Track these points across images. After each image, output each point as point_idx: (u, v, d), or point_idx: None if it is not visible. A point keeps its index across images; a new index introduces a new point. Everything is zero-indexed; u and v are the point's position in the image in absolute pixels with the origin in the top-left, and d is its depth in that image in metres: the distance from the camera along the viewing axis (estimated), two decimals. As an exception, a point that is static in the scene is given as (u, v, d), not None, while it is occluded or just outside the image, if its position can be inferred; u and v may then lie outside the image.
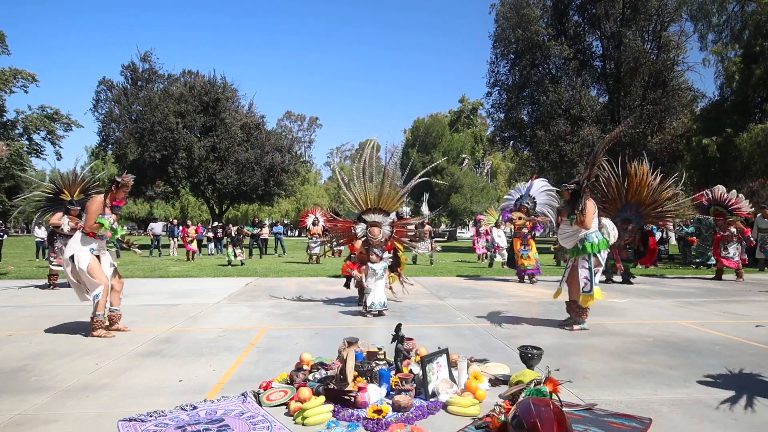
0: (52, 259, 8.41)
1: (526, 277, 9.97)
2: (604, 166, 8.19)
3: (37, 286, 8.75)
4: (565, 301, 5.35)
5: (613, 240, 5.39)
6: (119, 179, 4.92)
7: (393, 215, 6.31)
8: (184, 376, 3.47)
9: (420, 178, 6.62)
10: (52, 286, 8.32)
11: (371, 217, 6.11)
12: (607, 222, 5.42)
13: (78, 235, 4.83)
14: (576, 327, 5.13)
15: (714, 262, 12.94)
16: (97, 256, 4.85)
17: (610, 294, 8.07)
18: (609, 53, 23.49)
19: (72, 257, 4.73)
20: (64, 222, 7.77)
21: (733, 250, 10.30)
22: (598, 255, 5.11)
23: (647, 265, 10.48)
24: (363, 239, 6.16)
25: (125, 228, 11.05)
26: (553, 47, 23.47)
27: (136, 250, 6.39)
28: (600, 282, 5.36)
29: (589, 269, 5.08)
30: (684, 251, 15.70)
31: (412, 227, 6.71)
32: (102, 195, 4.89)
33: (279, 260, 17.08)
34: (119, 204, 5.00)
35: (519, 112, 26.67)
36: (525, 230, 9.93)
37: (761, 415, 2.73)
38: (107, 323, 4.86)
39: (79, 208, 7.89)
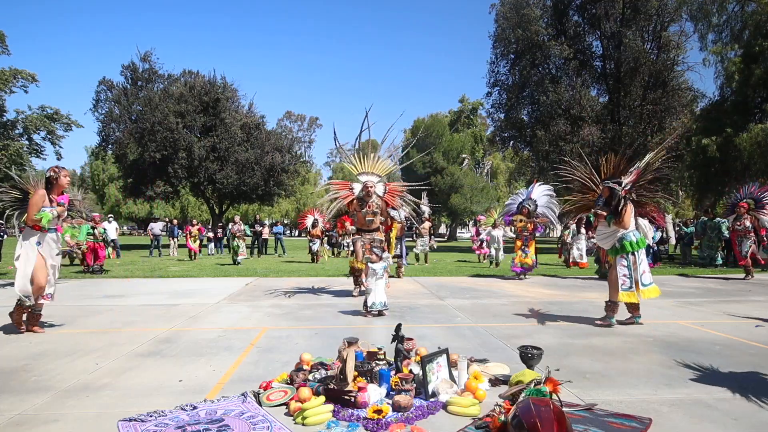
0: None
1: (522, 274, 10.25)
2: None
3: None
4: (605, 301, 5.46)
5: (650, 240, 5.52)
6: (56, 174, 4.94)
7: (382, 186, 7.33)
8: (184, 376, 3.47)
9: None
10: None
11: (365, 177, 7.11)
12: (643, 222, 5.53)
13: (25, 230, 4.88)
14: (601, 322, 5.29)
15: (720, 262, 12.94)
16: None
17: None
18: (609, 53, 23.46)
19: (18, 255, 4.81)
20: None
21: (746, 247, 10.21)
22: (636, 254, 5.23)
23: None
24: (358, 198, 7.06)
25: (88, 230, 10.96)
26: (553, 47, 23.45)
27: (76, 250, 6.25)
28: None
29: (628, 267, 5.23)
30: (684, 251, 15.70)
31: (401, 187, 7.78)
32: (43, 189, 4.93)
33: (279, 260, 17.08)
34: (63, 199, 5.00)
35: (519, 112, 26.64)
36: (527, 233, 10.15)
37: (761, 415, 2.73)
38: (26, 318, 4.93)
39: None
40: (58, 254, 5.10)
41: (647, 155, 5.60)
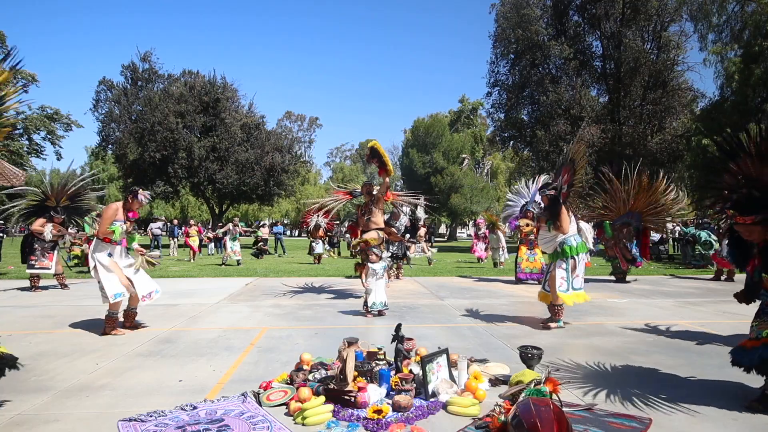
0: (32, 262, 8.15)
1: (529, 280, 10.03)
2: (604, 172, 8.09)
3: (21, 288, 8.56)
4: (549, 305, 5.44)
5: (590, 244, 5.53)
6: (138, 194, 5.05)
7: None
8: (184, 376, 3.47)
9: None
10: (34, 288, 8.18)
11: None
12: (584, 225, 5.54)
13: (94, 242, 4.97)
14: (553, 325, 5.22)
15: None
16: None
17: (611, 294, 8.08)
18: (609, 53, 23.46)
19: (95, 265, 4.85)
20: (47, 230, 7.82)
21: (726, 249, 10.15)
22: (576, 257, 5.21)
23: (646, 258, 10.47)
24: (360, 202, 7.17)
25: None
26: (553, 47, 23.45)
27: (155, 260, 6.26)
28: (581, 285, 5.38)
29: (567, 270, 5.22)
30: (684, 251, 15.71)
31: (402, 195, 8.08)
32: (119, 202, 5.05)
33: (279, 260, 17.08)
34: (134, 215, 5.12)
35: (519, 112, 26.64)
36: (532, 236, 10.00)
37: (761, 415, 2.73)
38: (121, 320, 5.03)
39: (63, 216, 7.95)
40: (129, 265, 5.14)
41: (566, 150, 5.52)
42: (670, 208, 7.16)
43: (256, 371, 3.58)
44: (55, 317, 5.68)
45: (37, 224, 7.89)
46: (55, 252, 8.29)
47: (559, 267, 5.23)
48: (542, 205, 5.52)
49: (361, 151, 70.24)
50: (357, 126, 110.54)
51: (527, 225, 9.88)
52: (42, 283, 8.45)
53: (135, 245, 5.36)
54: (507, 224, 11.78)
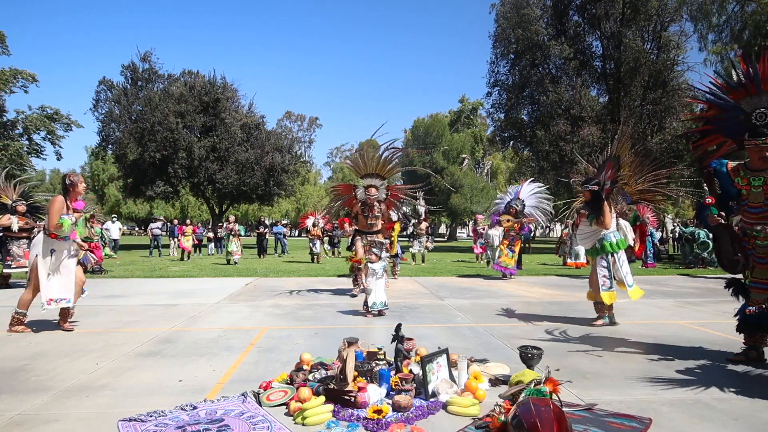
0: (8, 262, 8.21)
1: (507, 275, 10.32)
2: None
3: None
4: (593, 302, 5.45)
5: (630, 241, 5.52)
6: (72, 179, 4.91)
7: (386, 183, 7.25)
8: (184, 376, 3.47)
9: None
10: (5, 286, 8.30)
11: (369, 181, 6.90)
12: (624, 223, 5.52)
13: (40, 236, 4.89)
14: (599, 322, 5.26)
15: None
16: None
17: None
18: (609, 53, 23.48)
19: (36, 256, 4.83)
20: (14, 221, 7.93)
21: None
22: (615, 255, 5.21)
23: (638, 256, 10.46)
24: (361, 202, 6.91)
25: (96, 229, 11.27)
26: (553, 47, 23.48)
27: (92, 260, 6.23)
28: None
29: (608, 268, 5.22)
30: (684, 251, 15.71)
31: (405, 189, 7.85)
32: (61, 195, 4.89)
33: (279, 260, 17.08)
34: (79, 205, 4.98)
35: (519, 112, 26.68)
36: (513, 233, 10.27)
37: (761, 415, 2.73)
38: (26, 321, 5.00)
39: (24, 204, 8.12)
40: (74, 257, 5.07)
41: (611, 145, 5.56)
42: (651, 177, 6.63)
43: (256, 371, 3.57)
44: (55, 317, 5.67)
45: (3, 219, 8.00)
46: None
47: (600, 266, 5.24)
48: (585, 200, 5.51)
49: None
50: (357, 126, 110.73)
51: (508, 221, 10.18)
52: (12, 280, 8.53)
53: (78, 239, 5.20)
54: (489, 218, 12.05)
